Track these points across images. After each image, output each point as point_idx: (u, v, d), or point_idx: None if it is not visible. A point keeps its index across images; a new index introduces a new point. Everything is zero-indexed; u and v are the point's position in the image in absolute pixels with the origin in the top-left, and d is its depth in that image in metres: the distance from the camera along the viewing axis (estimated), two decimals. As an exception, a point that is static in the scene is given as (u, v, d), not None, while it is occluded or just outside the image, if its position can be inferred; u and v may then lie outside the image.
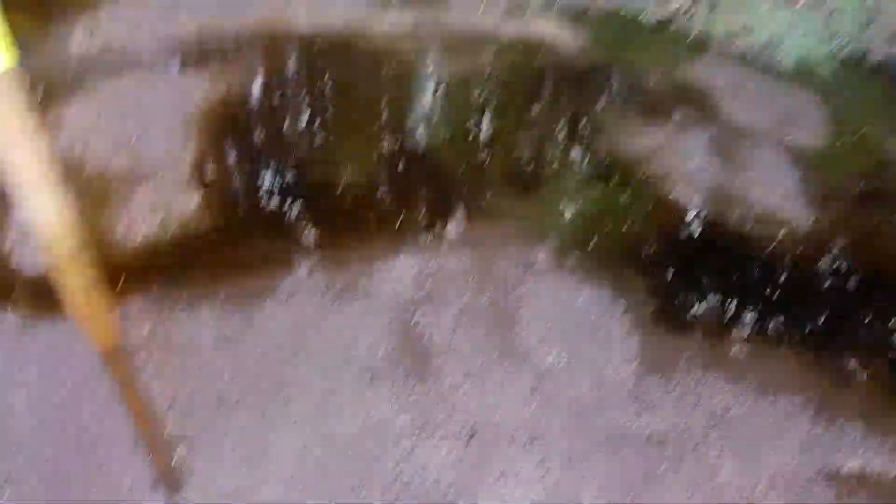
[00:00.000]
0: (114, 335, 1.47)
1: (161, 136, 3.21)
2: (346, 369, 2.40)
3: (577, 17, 4.46)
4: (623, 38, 4.40)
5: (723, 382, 2.52)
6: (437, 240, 2.90)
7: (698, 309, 2.80)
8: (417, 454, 2.22)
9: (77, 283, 2.35)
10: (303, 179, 3.12)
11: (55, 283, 2.55)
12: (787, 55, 4.34)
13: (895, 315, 2.91)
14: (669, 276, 2.91)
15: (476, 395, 2.38)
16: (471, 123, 3.58)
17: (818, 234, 3.21)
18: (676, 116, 3.78)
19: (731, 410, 2.44)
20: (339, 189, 3.08)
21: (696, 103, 3.90)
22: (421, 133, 3.46)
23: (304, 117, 3.48)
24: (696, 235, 3.11)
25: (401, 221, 2.97)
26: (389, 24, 4.19)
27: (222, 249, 2.76)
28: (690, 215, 3.19)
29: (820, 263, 3.08)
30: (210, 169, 3.08)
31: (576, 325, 2.65)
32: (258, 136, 3.34)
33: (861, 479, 2.33)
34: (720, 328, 2.73)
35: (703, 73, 4.15)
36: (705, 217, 3.19)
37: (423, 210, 3.04)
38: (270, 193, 3.04)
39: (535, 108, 3.74)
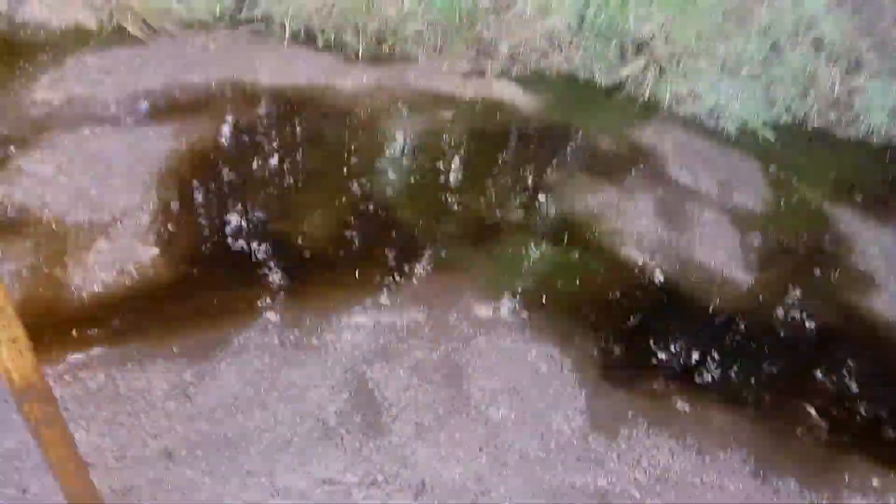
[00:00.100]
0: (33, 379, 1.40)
1: (121, 188, 3.23)
2: (299, 423, 2.42)
3: (535, 80, 4.67)
4: (577, 102, 4.61)
5: (666, 438, 2.60)
6: (394, 293, 2.96)
7: (645, 365, 2.89)
8: (367, 510, 2.24)
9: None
10: (262, 233, 3.17)
11: None
12: (731, 121, 4.59)
13: (835, 370, 3.05)
14: (618, 333, 3.01)
15: (426, 450, 2.42)
16: (430, 179, 3.69)
17: (761, 292, 3.36)
18: (626, 177, 3.95)
19: (673, 467, 2.52)
20: (299, 243, 3.14)
21: (645, 165, 4.08)
22: (380, 188, 3.55)
23: (265, 171, 3.55)
24: (644, 294, 3.23)
25: (358, 274, 3.03)
26: (352, 82, 4.32)
27: (178, 301, 2.78)
28: (639, 274, 3.32)
29: (763, 320, 3.22)
30: (169, 221, 3.12)
31: (526, 380, 2.71)
32: (218, 188, 3.39)
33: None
34: (666, 384, 2.82)
35: (651, 136, 4.36)
36: (653, 276, 3.32)
37: (381, 264, 3.11)
38: (228, 246, 3.07)
39: (493, 167, 3.87)
